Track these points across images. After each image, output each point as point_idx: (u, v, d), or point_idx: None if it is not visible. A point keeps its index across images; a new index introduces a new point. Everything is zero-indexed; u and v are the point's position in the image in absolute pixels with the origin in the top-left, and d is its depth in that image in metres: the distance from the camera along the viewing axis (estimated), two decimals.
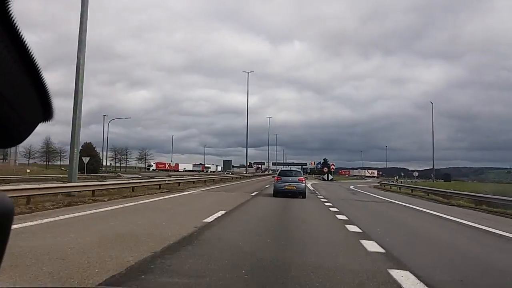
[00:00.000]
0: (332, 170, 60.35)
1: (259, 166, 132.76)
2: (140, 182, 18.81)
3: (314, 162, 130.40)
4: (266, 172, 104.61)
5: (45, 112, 0.67)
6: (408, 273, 4.19)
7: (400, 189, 29.98)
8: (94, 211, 9.28)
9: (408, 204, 16.49)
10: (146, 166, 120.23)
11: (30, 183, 17.22)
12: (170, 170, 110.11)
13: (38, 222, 7.11)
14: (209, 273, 3.96)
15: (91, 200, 11.59)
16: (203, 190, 19.76)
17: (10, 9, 0.54)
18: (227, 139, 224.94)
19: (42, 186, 11.18)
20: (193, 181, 25.33)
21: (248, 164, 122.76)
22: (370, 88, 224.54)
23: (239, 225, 8.39)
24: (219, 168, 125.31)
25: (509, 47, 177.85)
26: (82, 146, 67.32)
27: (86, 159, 51.31)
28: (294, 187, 16.47)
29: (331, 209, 12.36)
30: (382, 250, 5.51)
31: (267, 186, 27.15)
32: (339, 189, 30.55)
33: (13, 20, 0.55)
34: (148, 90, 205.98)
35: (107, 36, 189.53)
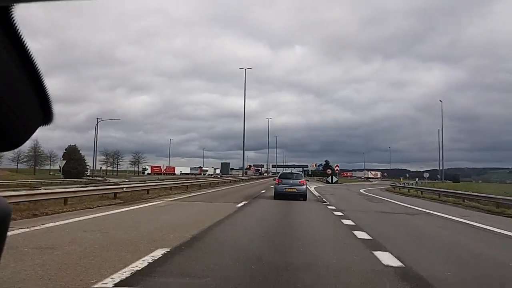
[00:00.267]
0: (337, 172, 55.46)
1: (258, 168, 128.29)
2: (91, 190, 14.01)
3: (316, 164, 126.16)
4: (266, 175, 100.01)
5: (45, 116, 0.69)
6: None
7: (422, 193, 25.21)
8: None
9: (455, 217, 11.71)
10: (141, 170, 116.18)
11: None
12: (163, 174, 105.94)
13: None
14: None
15: None
16: (174, 200, 14.96)
17: (13, 15, 0.56)
18: (227, 142, 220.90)
19: None
20: (171, 187, 20.53)
21: (247, 166, 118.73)
22: (371, 91, 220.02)
23: None
24: (217, 171, 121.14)
25: (509, 49, 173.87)
26: (65, 149, 62.52)
27: (62, 162, 46.67)
28: (295, 190, 16.11)
29: (356, 232, 7.55)
30: None
31: (263, 191, 22.39)
32: (349, 194, 25.69)
33: (16, 26, 0.57)
34: (148, 95, 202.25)
35: (108, 42, 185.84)
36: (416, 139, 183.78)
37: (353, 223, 8.90)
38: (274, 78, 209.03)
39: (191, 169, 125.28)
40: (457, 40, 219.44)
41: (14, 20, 0.56)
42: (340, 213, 11.19)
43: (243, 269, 4.46)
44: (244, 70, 55.69)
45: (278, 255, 5.34)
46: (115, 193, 14.30)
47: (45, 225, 7.49)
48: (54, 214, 9.30)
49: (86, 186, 17.30)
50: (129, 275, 4.02)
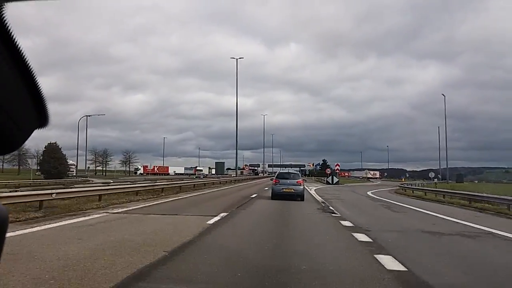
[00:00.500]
0: (337, 171, 51.39)
1: (253, 168, 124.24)
2: (10, 197, 9.87)
3: (313, 164, 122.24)
4: (262, 175, 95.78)
5: (41, 118, 0.67)
6: None
7: (444, 197, 21.17)
8: None
9: None
10: (133, 169, 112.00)
11: None
12: (158, 174, 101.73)
13: None
14: None
15: None
16: (125, 211, 10.77)
17: (4, 14, 0.54)
18: (223, 141, 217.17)
19: None
20: (137, 192, 16.37)
21: (243, 166, 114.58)
22: (366, 89, 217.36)
23: None
24: (213, 171, 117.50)
25: (504, 46, 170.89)
26: (44, 147, 58.17)
27: (32, 161, 42.45)
28: (292, 190, 15.99)
29: None
30: None
31: (254, 195, 18.30)
32: (358, 198, 21.47)
33: (7, 26, 0.55)
34: (144, 93, 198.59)
35: (102, 40, 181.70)
36: (412, 138, 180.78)
37: (404, 268, 4.70)
38: (270, 76, 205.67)
39: (185, 169, 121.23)
40: (451, 37, 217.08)
41: (5, 20, 0.53)
42: (366, 238, 6.92)
43: None
44: (235, 60, 52.80)
45: None
46: (40, 202, 10.14)
47: None
48: None
49: (16, 191, 13.13)
50: None
